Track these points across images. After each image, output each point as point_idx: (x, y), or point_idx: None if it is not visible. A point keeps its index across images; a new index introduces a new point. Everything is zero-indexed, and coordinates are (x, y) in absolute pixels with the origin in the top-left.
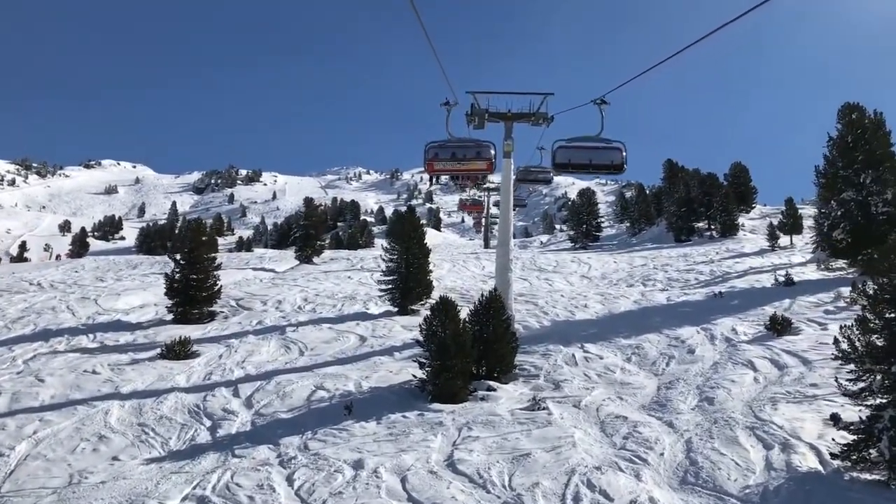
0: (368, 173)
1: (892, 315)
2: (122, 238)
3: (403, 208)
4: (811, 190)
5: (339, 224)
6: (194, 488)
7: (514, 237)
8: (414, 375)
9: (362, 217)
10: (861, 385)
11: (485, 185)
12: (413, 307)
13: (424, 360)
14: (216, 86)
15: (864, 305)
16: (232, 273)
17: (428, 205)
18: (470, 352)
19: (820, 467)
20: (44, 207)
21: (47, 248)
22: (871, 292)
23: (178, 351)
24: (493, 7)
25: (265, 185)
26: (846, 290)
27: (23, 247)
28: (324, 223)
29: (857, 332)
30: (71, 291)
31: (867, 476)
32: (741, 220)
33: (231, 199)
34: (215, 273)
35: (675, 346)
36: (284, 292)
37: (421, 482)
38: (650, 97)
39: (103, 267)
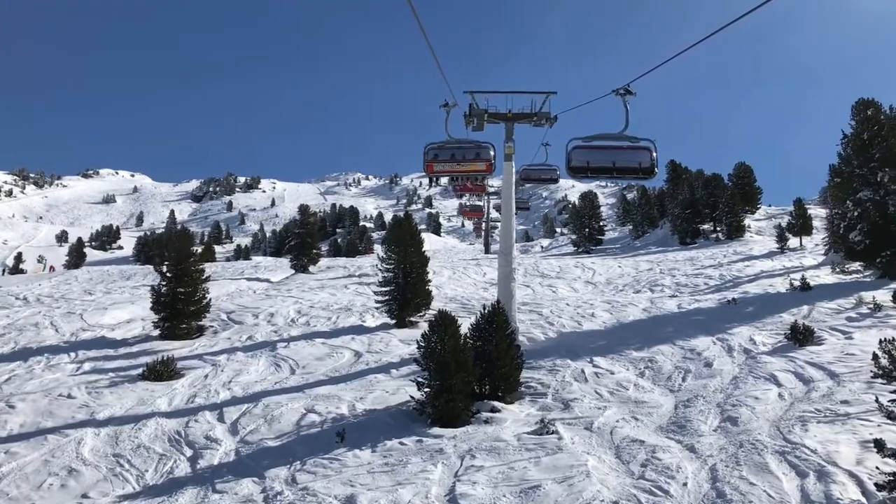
0: (367, 179)
1: None
2: (121, 247)
3: (402, 213)
4: (814, 190)
5: (338, 230)
6: None
7: (515, 242)
8: (412, 396)
9: (361, 223)
10: None
11: (484, 194)
12: (412, 319)
13: (423, 380)
14: (214, 94)
15: None
16: (225, 284)
17: (427, 210)
18: (472, 370)
19: (863, 499)
20: (41, 218)
21: (41, 259)
22: None
23: (161, 371)
24: (491, 7)
25: (264, 192)
26: (868, 295)
27: (18, 258)
28: (322, 230)
29: None
30: (57, 306)
31: None
32: (747, 221)
33: (229, 206)
34: (204, 286)
35: (690, 359)
36: (277, 304)
37: None
38: (650, 96)
39: (96, 278)
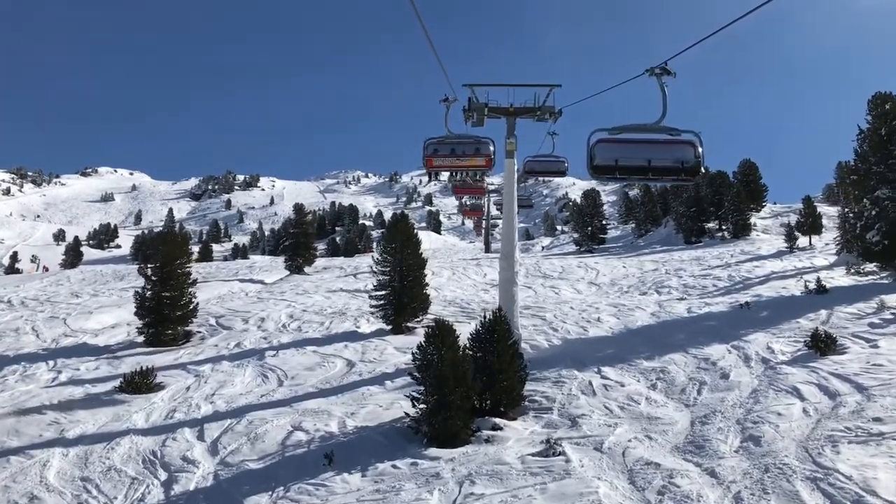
0: (367, 177)
1: None
2: (118, 246)
3: (402, 212)
4: (817, 187)
5: (337, 229)
6: None
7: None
8: (407, 413)
9: (361, 221)
10: None
11: (484, 195)
12: (408, 324)
13: (418, 396)
14: (213, 92)
15: None
16: (217, 286)
17: (427, 207)
18: (471, 384)
19: None
20: (38, 216)
21: (34, 259)
22: None
23: (140, 384)
24: (492, 3)
25: (263, 190)
26: (890, 299)
27: (14, 257)
28: (321, 228)
29: None
30: (41, 310)
31: None
32: (753, 219)
33: (228, 205)
34: (191, 290)
35: (704, 370)
36: (269, 308)
37: None
38: (649, 95)
39: (89, 279)
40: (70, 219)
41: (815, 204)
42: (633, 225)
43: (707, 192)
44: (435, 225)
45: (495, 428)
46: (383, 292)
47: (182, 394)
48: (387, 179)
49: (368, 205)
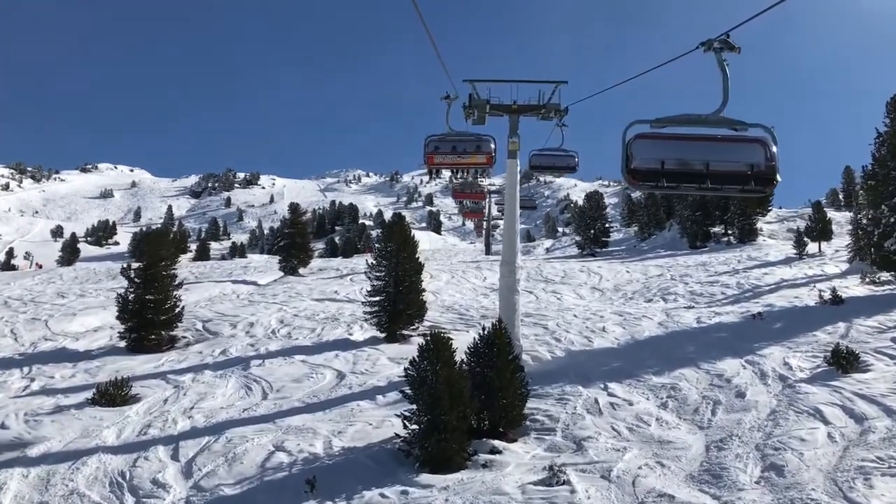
0: (368, 176)
1: None
2: (116, 243)
3: (403, 212)
4: (820, 191)
5: (336, 228)
6: None
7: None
8: (397, 434)
9: (361, 221)
10: None
11: (485, 198)
12: (404, 332)
13: (410, 415)
14: (215, 89)
15: None
16: (208, 288)
17: (428, 207)
18: (468, 402)
19: None
20: (37, 212)
21: (27, 256)
22: None
23: (114, 395)
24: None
25: (263, 188)
26: None
27: (10, 253)
28: (322, 227)
29: None
30: (24, 310)
31: None
32: (759, 224)
33: (228, 202)
34: (176, 293)
35: (718, 387)
36: (260, 312)
37: None
38: (648, 94)
39: (82, 276)
40: (69, 215)
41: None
42: (636, 228)
43: (713, 196)
44: (435, 225)
45: (494, 451)
46: (377, 298)
47: (159, 407)
48: (388, 179)
49: (369, 204)
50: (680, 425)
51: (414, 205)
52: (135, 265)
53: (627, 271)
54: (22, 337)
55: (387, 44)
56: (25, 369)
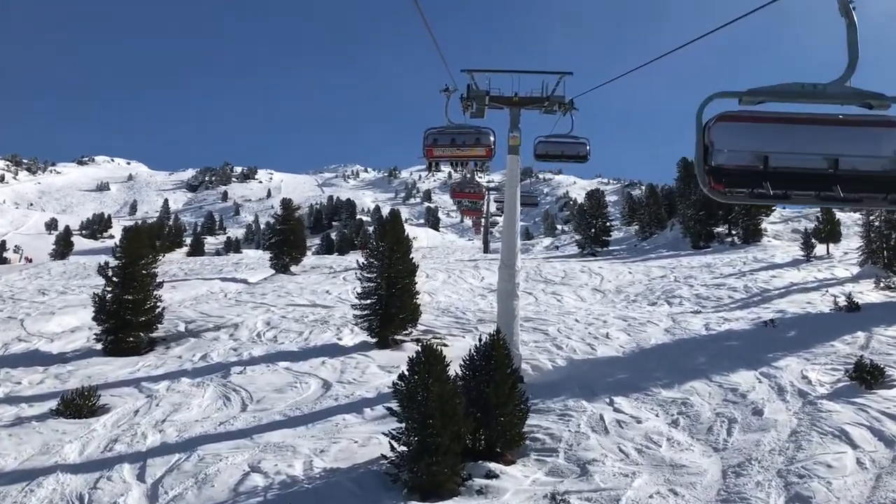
0: (366, 171)
1: None
2: (111, 237)
3: (401, 208)
4: None
5: (334, 223)
6: None
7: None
8: (384, 456)
9: (358, 216)
10: None
11: (481, 200)
12: (396, 337)
13: (398, 435)
14: (214, 83)
15: None
16: (196, 286)
17: (426, 204)
18: (463, 421)
19: None
20: (31, 205)
21: (16, 249)
22: None
23: (80, 406)
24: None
25: (260, 182)
26: None
27: (2, 246)
28: (319, 222)
29: None
30: (0, 308)
31: None
32: (763, 224)
33: (225, 196)
34: (156, 293)
35: (733, 403)
36: (246, 313)
37: None
38: (649, 94)
39: (70, 271)
40: (64, 208)
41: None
42: (637, 227)
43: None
44: (433, 222)
45: (490, 475)
46: (368, 301)
47: (128, 418)
48: (386, 174)
49: (367, 200)
50: (693, 446)
51: (412, 201)
52: (113, 263)
53: (629, 272)
54: None
55: (387, 39)
56: None
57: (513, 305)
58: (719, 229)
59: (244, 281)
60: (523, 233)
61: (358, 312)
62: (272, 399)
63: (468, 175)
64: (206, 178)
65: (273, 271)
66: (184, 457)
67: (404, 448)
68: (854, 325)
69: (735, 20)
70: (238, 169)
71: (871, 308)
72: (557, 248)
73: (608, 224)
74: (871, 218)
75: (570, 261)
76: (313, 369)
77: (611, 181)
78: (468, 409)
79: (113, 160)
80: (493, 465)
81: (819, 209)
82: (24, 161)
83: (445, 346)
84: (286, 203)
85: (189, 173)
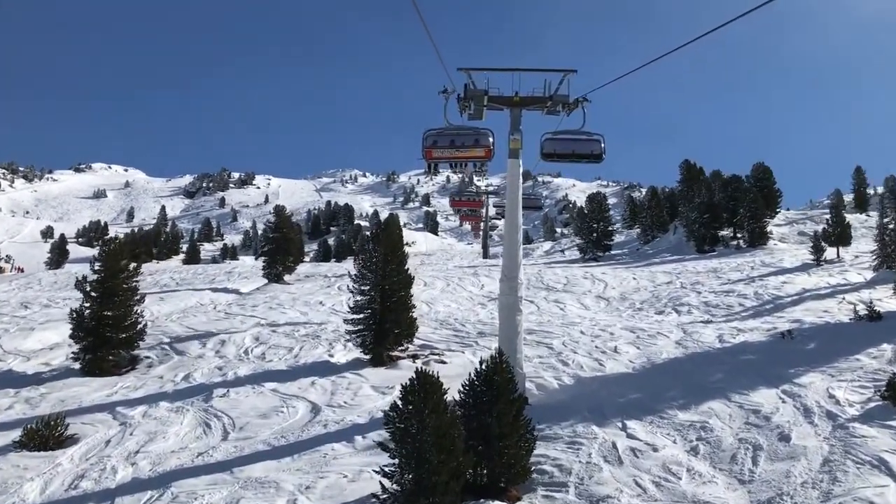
0: (364, 176)
1: None
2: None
3: (399, 212)
4: (823, 191)
5: (332, 229)
6: None
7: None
8: (375, 495)
9: (357, 221)
10: None
11: (481, 208)
12: (392, 353)
13: (391, 471)
14: (211, 88)
15: None
16: (185, 297)
17: (425, 208)
18: (462, 454)
19: None
20: (27, 213)
21: (8, 259)
22: None
23: (46, 437)
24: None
25: (258, 188)
26: None
27: None
28: (317, 227)
29: None
30: None
31: None
32: (769, 227)
33: (222, 203)
34: (137, 308)
35: (756, 427)
36: (235, 327)
37: None
38: (650, 95)
39: (62, 282)
40: (61, 215)
41: (823, 210)
42: (639, 230)
43: (721, 198)
44: (432, 226)
45: None
46: (361, 315)
47: (99, 450)
48: (384, 179)
49: (365, 204)
50: (716, 478)
51: (411, 205)
52: (91, 276)
53: (634, 278)
54: None
55: (385, 44)
56: None
57: (516, 321)
58: (724, 232)
59: (236, 291)
60: (523, 237)
61: (350, 328)
62: (256, 426)
63: (467, 179)
64: (204, 185)
65: (266, 281)
66: (156, 495)
67: (397, 487)
68: (878, 336)
69: (735, 19)
70: (236, 175)
71: (893, 317)
72: (547, 252)
73: (610, 228)
74: (886, 220)
75: (571, 266)
76: (302, 391)
77: (610, 183)
78: (468, 442)
79: (110, 167)
80: None
81: (830, 212)
82: (21, 169)
83: (444, 363)
84: (279, 210)
85: (186, 179)
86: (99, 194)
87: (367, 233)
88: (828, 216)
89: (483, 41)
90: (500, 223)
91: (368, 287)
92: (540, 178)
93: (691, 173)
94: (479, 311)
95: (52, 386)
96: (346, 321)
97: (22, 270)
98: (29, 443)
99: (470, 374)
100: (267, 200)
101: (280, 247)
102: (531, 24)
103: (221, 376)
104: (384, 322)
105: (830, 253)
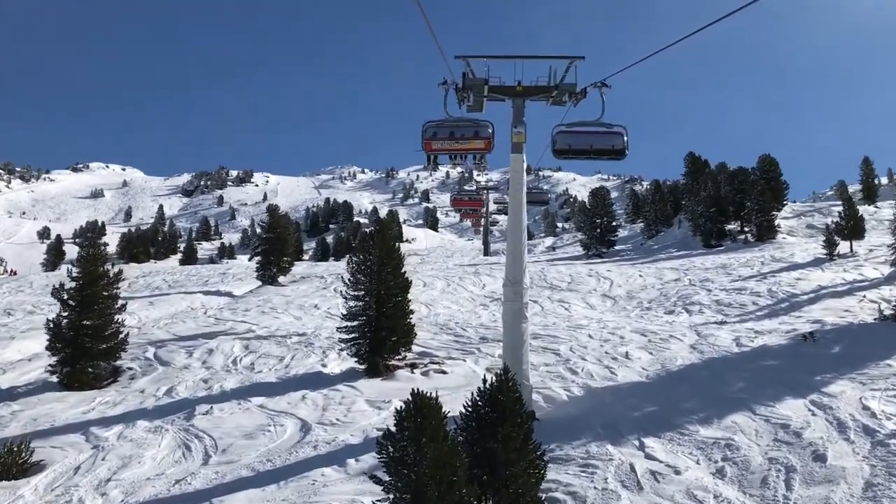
0: (363, 172)
1: None
2: (106, 244)
3: (399, 209)
4: (825, 183)
5: (331, 226)
6: None
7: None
8: None
9: (356, 218)
10: None
11: (481, 207)
12: (388, 362)
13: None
14: (208, 86)
15: None
16: (175, 301)
17: (425, 204)
18: (465, 485)
19: None
20: (24, 213)
21: (1, 261)
22: None
23: (9, 465)
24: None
25: (256, 185)
26: None
27: None
28: (315, 225)
29: None
30: None
31: None
32: (777, 220)
33: (220, 201)
34: (119, 317)
35: (787, 444)
36: (225, 333)
37: None
38: (649, 90)
39: (53, 285)
40: (58, 216)
41: (829, 202)
42: (643, 225)
43: (727, 191)
44: (432, 222)
45: None
46: (356, 323)
47: (67, 478)
48: (383, 175)
49: (364, 201)
50: None
51: (410, 201)
52: (69, 284)
53: (640, 275)
54: None
55: (383, 40)
56: None
57: (521, 328)
58: (731, 226)
59: (229, 294)
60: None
61: (344, 336)
62: (240, 448)
63: (466, 174)
64: (202, 183)
65: (259, 283)
66: None
67: None
68: None
69: (734, 12)
70: (234, 173)
71: None
72: (549, 248)
73: (614, 223)
74: None
75: (575, 263)
76: (291, 406)
77: (611, 177)
78: (472, 470)
79: (108, 166)
80: None
81: (843, 204)
82: (18, 169)
83: (444, 372)
84: (272, 209)
85: (184, 178)
86: (96, 194)
87: (367, 230)
88: (838, 208)
89: (484, 41)
90: (501, 219)
91: (363, 292)
92: (540, 173)
93: (696, 166)
94: (480, 314)
95: (27, 402)
96: (339, 329)
97: (15, 273)
98: None
99: (472, 394)
100: (265, 198)
101: (274, 247)
102: (531, 24)
103: (206, 390)
104: (380, 329)
105: (843, 247)
